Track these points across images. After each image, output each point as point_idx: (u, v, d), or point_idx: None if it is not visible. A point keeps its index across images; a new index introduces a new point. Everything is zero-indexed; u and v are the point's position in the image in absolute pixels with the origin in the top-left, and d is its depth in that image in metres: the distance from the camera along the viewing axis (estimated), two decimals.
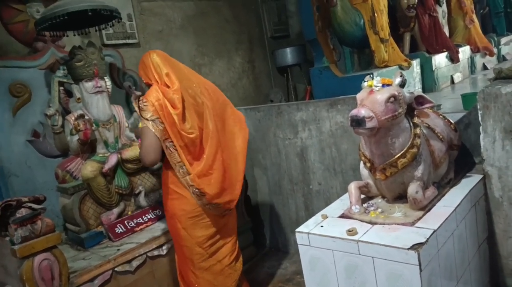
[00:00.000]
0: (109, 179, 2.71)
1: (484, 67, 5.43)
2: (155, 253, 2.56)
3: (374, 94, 1.69)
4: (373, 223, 1.76)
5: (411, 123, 1.78)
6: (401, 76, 1.77)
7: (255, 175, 3.37)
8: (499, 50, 5.79)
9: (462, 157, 2.18)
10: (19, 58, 2.97)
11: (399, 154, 1.73)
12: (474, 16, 5.42)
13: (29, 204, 2.02)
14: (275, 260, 3.26)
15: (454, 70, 4.80)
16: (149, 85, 2.17)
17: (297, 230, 1.88)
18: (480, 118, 2.01)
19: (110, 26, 2.99)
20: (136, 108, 2.11)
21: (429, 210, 1.79)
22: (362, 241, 1.64)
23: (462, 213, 1.84)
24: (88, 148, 2.78)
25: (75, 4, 2.51)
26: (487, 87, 1.97)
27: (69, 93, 2.97)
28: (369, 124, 1.63)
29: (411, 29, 4.71)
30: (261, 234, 3.48)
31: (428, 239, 1.55)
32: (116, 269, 2.38)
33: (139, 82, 3.31)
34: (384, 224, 1.74)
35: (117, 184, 2.74)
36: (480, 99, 1.98)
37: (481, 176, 2.07)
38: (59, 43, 3.13)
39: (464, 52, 5.06)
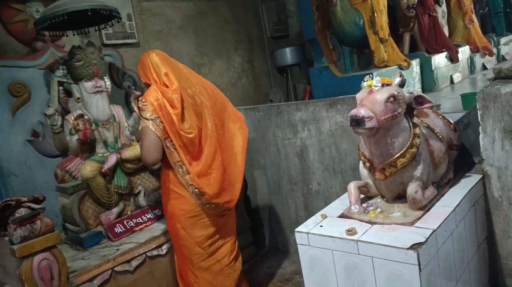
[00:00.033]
0: (109, 178, 2.70)
1: (484, 67, 5.44)
2: (155, 253, 2.56)
3: (374, 94, 1.69)
4: (372, 223, 1.76)
5: (411, 123, 1.78)
6: (400, 76, 1.77)
7: (255, 174, 3.37)
8: (498, 50, 5.80)
9: (462, 157, 2.18)
10: (18, 58, 2.97)
11: (399, 154, 1.73)
12: (474, 16, 5.43)
13: (28, 204, 2.02)
14: (275, 260, 3.26)
15: (454, 70, 4.81)
16: (148, 85, 2.17)
17: (296, 229, 1.88)
18: (479, 118, 2.01)
19: (110, 26, 2.99)
20: (135, 109, 2.11)
21: (429, 209, 1.79)
22: (362, 241, 1.64)
23: (461, 213, 1.84)
24: (87, 147, 2.77)
25: (74, 4, 2.51)
26: (486, 87, 1.97)
27: (69, 93, 2.97)
28: (368, 124, 1.63)
29: (411, 29, 4.71)
30: (261, 234, 3.48)
31: (427, 239, 1.55)
32: (115, 269, 2.38)
33: (139, 82, 3.30)
34: (383, 223, 1.74)
35: (116, 184, 2.74)
36: (480, 99, 1.98)
37: (480, 176, 2.07)
38: (59, 43, 3.13)
39: (464, 52, 5.06)
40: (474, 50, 5.29)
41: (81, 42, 3.14)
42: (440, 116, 2.09)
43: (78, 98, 2.85)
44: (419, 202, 1.76)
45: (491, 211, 2.08)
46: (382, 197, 1.97)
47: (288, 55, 5.49)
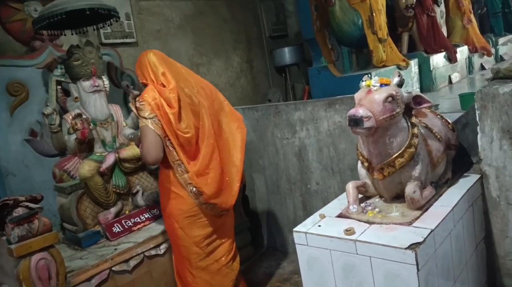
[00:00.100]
0: (107, 178, 2.70)
1: (482, 68, 5.44)
2: (153, 252, 2.56)
3: (372, 94, 1.69)
4: (370, 223, 1.76)
5: (409, 123, 1.78)
6: (399, 76, 1.77)
7: (253, 174, 3.37)
8: (496, 51, 5.81)
9: (460, 157, 2.18)
10: (16, 57, 2.97)
11: (397, 154, 1.73)
12: (472, 16, 5.43)
13: (26, 203, 2.02)
14: (273, 260, 3.26)
15: (452, 70, 4.81)
16: (145, 85, 2.17)
17: (294, 229, 1.88)
18: (477, 118, 2.01)
19: (108, 25, 2.98)
20: (133, 109, 2.10)
21: (427, 209, 1.79)
22: (360, 241, 1.64)
23: (459, 213, 1.85)
24: (85, 147, 2.77)
25: (73, 3, 2.50)
26: (484, 87, 1.97)
27: (67, 92, 2.97)
28: (367, 124, 1.63)
29: (409, 29, 4.71)
30: (259, 234, 3.48)
31: (425, 238, 1.55)
32: (113, 268, 2.37)
33: (137, 81, 3.30)
34: (381, 223, 1.74)
35: (114, 183, 2.73)
36: (478, 99, 1.99)
37: (478, 176, 2.07)
38: (57, 42, 3.12)
39: (462, 52, 5.06)
40: (473, 50, 5.30)
41: (79, 42, 3.13)
42: (438, 116, 2.09)
43: (76, 97, 2.85)
44: (417, 201, 1.76)
45: (489, 210, 2.08)
46: (381, 196, 1.97)
47: (286, 55, 5.49)
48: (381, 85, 1.71)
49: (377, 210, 1.85)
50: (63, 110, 2.93)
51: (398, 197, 1.89)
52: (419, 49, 4.72)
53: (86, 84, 2.79)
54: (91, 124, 2.76)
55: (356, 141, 1.96)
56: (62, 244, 2.65)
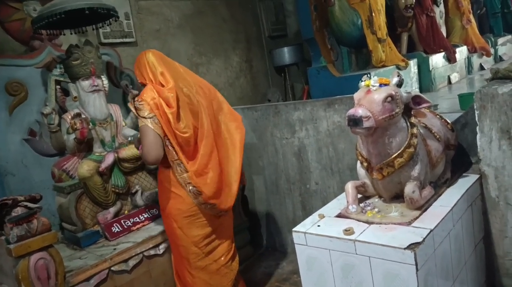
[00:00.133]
0: (106, 178, 2.70)
1: (481, 68, 5.45)
2: (152, 252, 2.56)
3: (372, 94, 1.69)
4: (370, 223, 1.76)
5: (408, 123, 1.78)
6: (398, 76, 1.77)
7: (252, 174, 3.36)
8: (496, 51, 5.81)
9: (459, 157, 2.18)
10: (15, 57, 2.96)
11: (396, 154, 1.74)
12: (471, 17, 5.44)
13: (25, 203, 2.02)
14: (272, 260, 3.26)
15: (451, 70, 4.82)
16: (144, 85, 2.16)
17: (294, 229, 1.88)
18: (477, 118, 2.01)
19: (107, 25, 2.98)
20: (132, 109, 2.10)
21: (426, 209, 1.79)
22: (359, 241, 1.64)
23: (458, 213, 1.85)
24: (84, 146, 2.77)
25: (72, 3, 2.50)
26: (484, 88, 1.98)
27: (66, 92, 2.96)
28: (366, 124, 1.63)
29: (409, 29, 4.72)
30: (258, 234, 3.48)
31: (424, 238, 1.55)
32: (112, 268, 2.37)
33: (136, 81, 3.29)
34: (380, 223, 1.74)
35: (113, 183, 2.73)
36: (477, 99, 1.99)
37: (477, 176, 2.07)
38: (56, 41, 3.12)
39: (461, 52, 5.07)
40: (472, 50, 5.30)
41: (78, 41, 3.13)
42: (437, 116, 2.09)
43: (75, 97, 2.84)
44: (416, 201, 1.76)
45: (488, 211, 2.08)
46: (380, 196, 1.97)
47: (286, 54, 5.49)
48: (380, 85, 1.71)
49: (376, 210, 1.85)
50: (62, 110, 2.93)
51: (397, 197, 1.89)
52: (419, 49, 4.72)
53: (85, 83, 2.79)
54: (90, 124, 2.75)
55: (355, 141, 1.97)
56: (61, 244, 2.64)
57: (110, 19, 2.86)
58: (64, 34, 3.03)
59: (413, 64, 4.28)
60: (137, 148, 2.39)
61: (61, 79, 2.95)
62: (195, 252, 2.24)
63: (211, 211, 2.20)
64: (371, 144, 1.75)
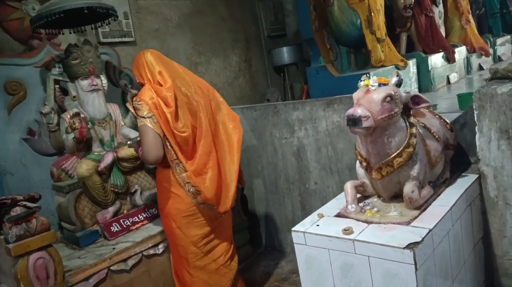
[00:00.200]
0: (105, 177, 2.69)
1: (480, 68, 5.46)
2: (151, 252, 2.56)
3: (371, 93, 1.69)
4: (369, 222, 1.77)
5: (407, 123, 1.78)
6: (397, 75, 1.77)
7: (252, 174, 3.37)
8: (494, 51, 5.83)
9: (458, 157, 2.19)
10: (14, 56, 2.96)
11: (395, 153, 1.74)
12: (470, 17, 5.45)
13: (24, 203, 2.01)
14: (271, 259, 3.26)
15: (450, 70, 4.82)
16: (142, 85, 2.16)
17: (293, 229, 1.88)
18: (475, 118, 2.01)
19: (106, 24, 2.98)
20: (131, 109, 2.10)
21: (425, 209, 1.80)
22: (358, 240, 1.64)
23: (457, 213, 1.85)
24: (83, 146, 2.76)
25: (71, 2, 2.50)
26: (483, 88, 1.98)
27: (65, 91, 2.96)
28: (365, 123, 1.63)
29: (408, 29, 4.72)
30: (257, 233, 3.48)
31: (423, 238, 1.55)
32: (111, 268, 2.37)
33: (135, 80, 3.29)
34: (380, 223, 1.74)
35: (112, 183, 2.73)
36: (476, 99, 1.99)
37: (476, 176, 2.08)
38: (55, 41, 3.12)
39: (460, 52, 5.08)
40: (471, 50, 5.31)
41: (77, 40, 3.13)
42: (436, 116, 2.10)
43: (74, 96, 2.84)
44: (415, 201, 1.77)
45: (487, 210, 2.09)
46: (379, 196, 1.97)
47: (285, 54, 5.49)
48: (379, 85, 1.72)
49: (375, 209, 1.85)
50: (61, 109, 2.93)
51: (397, 196, 1.89)
52: (418, 49, 4.73)
53: (84, 83, 2.79)
54: (89, 123, 2.75)
55: (354, 141, 1.97)
56: (60, 243, 2.64)
57: (109, 19, 2.85)
58: (63, 34, 3.02)
59: (412, 64, 4.29)
60: (137, 152, 2.38)
61: (60, 78, 2.95)
62: (194, 251, 2.24)
63: (209, 211, 2.20)
64: (370, 143, 1.75)
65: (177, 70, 2.22)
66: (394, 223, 1.71)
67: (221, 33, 5.07)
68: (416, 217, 1.73)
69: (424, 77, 4.42)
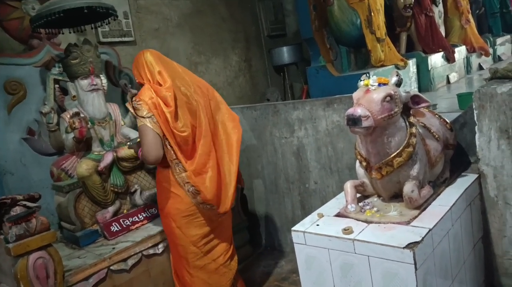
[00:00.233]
0: (105, 177, 2.69)
1: (480, 67, 5.46)
2: (151, 251, 2.56)
3: (371, 93, 1.69)
4: (368, 222, 1.77)
5: (407, 123, 1.78)
6: (397, 75, 1.77)
7: (252, 173, 3.37)
8: (494, 51, 5.83)
9: (458, 156, 2.19)
10: (14, 56, 2.96)
11: (395, 153, 1.74)
12: (470, 16, 5.45)
13: (24, 202, 2.01)
14: (271, 259, 3.26)
15: (450, 70, 4.82)
16: (141, 85, 2.16)
17: (293, 228, 1.88)
18: (475, 118, 2.01)
19: (106, 24, 2.98)
20: (130, 109, 2.09)
21: (425, 209, 1.80)
22: (358, 240, 1.64)
23: (457, 212, 1.85)
24: (83, 146, 2.76)
25: (71, 1, 2.49)
26: (482, 87, 1.98)
27: (65, 91, 2.96)
28: (365, 123, 1.63)
29: (408, 28, 4.73)
30: (257, 233, 3.48)
31: (423, 238, 1.55)
32: (111, 267, 2.37)
33: (135, 80, 3.29)
34: (379, 223, 1.74)
35: (112, 182, 2.73)
36: (476, 99, 1.99)
37: (476, 175, 2.07)
38: (55, 40, 3.11)
39: (460, 52, 5.08)
40: (471, 50, 5.31)
41: (77, 40, 3.12)
42: (436, 115, 2.10)
43: (74, 96, 2.84)
44: (415, 201, 1.77)
45: (487, 210, 2.09)
46: (379, 196, 1.97)
47: (285, 54, 5.49)
48: (379, 84, 1.72)
49: (375, 209, 1.85)
50: (61, 109, 2.93)
51: (396, 196, 1.89)
52: (417, 49, 4.73)
53: (84, 83, 2.78)
54: (89, 123, 2.75)
55: (354, 141, 1.97)
56: (60, 243, 2.64)
57: (109, 18, 2.85)
58: (62, 33, 3.02)
59: (412, 63, 4.29)
60: (136, 153, 2.38)
61: (60, 78, 2.95)
62: (193, 251, 2.24)
63: (209, 211, 2.20)
64: (370, 143, 1.75)
65: (176, 70, 2.22)
66: (394, 223, 1.71)
67: (221, 33, 5.07)
68: (416, 217, 1.73)
69: (424, 77, 4.42)
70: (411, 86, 4.21)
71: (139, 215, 2.79)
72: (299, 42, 5.47)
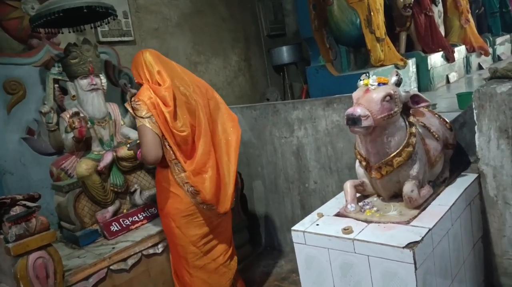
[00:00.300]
0: (104, 177, 2.69)
1: (480, 67, 5.46)
2: (151, 251, 2.56)
3: (370, 93, 1.69)
4: (368, 222, 1.77)
5: (407, 122, 1.78)
6: (397, 75, 1.77)
7: (251, 173, 3.37)
8: (494, 50, 5.83)
9: (457, 156, 2.19)
10: (13, 55, 2.95)
11: (395, 153, 1.74)
12: (470, 16, 5.45)
13: (24, 202, 2.01)
14: (271, 259, 3.26)
15: (450, 69, 4.83)
16: (140, 85, 2.16)
17: (292, 228, 1.88)
18: (475, 118, 2.01)
19: (106, 24, 2.97)
20: (129, 109, 2.09)
21: (424, 208, 1.80)
22: (358, 240, 1.64)
23: (457, 212, 1.85)
24: (83, 145, 2.76)
25: (70, 1, 2.49)
26: (482, 87, 1.98)
27: (64, 91, 2.95)
28: (364, 123, 1.63)
29: (407, 28, 4.73)
30: (257, 233, 3.48)
31: (423, 237, 1.55)
32: (111, 267, 2.37)
33: (134, 80, 3.29)
34: (379, 222, 1.74)
35: (112, 182, 2.73)
36: (476, 98, 1.99)
37: (476, 175, 2.08)
38: (54, 40, 3.11)
39: (460, 51, 5.08)
40: (470, 50, 5.31)
41: (76, 40, 3.12)
42: (436, 115, 2.10)
43: (74, 96, 2.84)
44: (415, 201, 1.77)
45: (487, 210, 2.09)
46: (378, 195, 1.97)
47: (284, 54, 5.49)
48: (379, 84, 1.72)
49: (375, 209, 1.85)
50: (60, 109, 2.92)
51: (396, 196, 1.89)
52: (417, 49, 4.73)
53: (84, 82, 2.78)
54: (89, 122, 2.75)
55: (354, 141, 1.97)
56: (59, 243, 2.64)
57: (109, 18, 2.85)
58: (62, 33, 3.02)
59: (411, 63, 4.29)
60: (135, 154, 2.38)
61: (59, 77, 2.94)
62: (193, 251, 2.23)
63: (209, 211, 2.20)
64: (370, 143, 1.75)
65: (175, 69, 2.22)
66: (393, 223, 1.71)
67: (220, 32, 5.07)
68: (415, 217, 1.73)
69: (424, 77, 4.42)
70: (410, 86, 4.21)
71: (139, 215, 2.79)
72: (298, 42, 5.47)
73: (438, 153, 1.94)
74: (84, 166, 2.57)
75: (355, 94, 1.76)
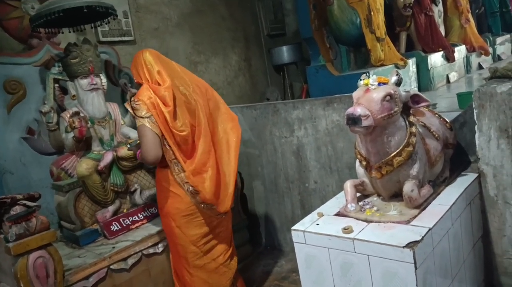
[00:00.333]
0: (105, 176, 2.69)
1: (480, 67, 5.46)
2: (151, 251, 2.56)
3: (370, 92, 1.69)
4: (368, 221, 1.77)
5: (407, 122, 1.78)
6: (397, 75, 1.77)
7: (251, 173, 3.37)
8: (494, 50, 5.83)
9: (458, 156, 2.19)
10: (14, 55, 2.95)
11: (395, 152, 1.74)
12: (470, 16, 5.45)
13: (24, 202, 2.01)
14: (271, 258, 3.26)
15: (450, 69, 4.82)
16: (140, 85, 2.16)
17: (293, 228, 1.88)
18: (475, 117, 2.01)
19: (106, 23, 2.97)
20: (129, 109, 2.09)
21: (425, 208, 1.80)
22: (358, 239, 1.64)
23: (457, 212, 1.85)
24: (83, 145, 2.76)
25: (70, 1, 2.49)
26: (482, 87, 1.98)
27: (64, 90, 2.96)
28: (365, 122, 1.63)
29: (407, 28, 4.73)
30: (257, 232, 3.49)
31: (423, 237, 1.55)
32: (111, 267, 2.37)
33: (134, 79, 3.29)
34: (379, 222, 1.74)
35: (112, 182, 2.73)
36: (476, 98, 1.99)
37: (476, 175, 2.08)
38: (54, 40, 3.11)
39: (460, 51, 5.08)
40: (470, 49, 5.31)
41: (77, 40, 3.12)
42: (436, 115, 2.10)
43: (74, 95, 2.84)
44: (415, 200, 1.77)
45: (487, 209, 2.09)
46: (379, 195, 1.97)
47: (285, 53, 5.49)
48: (379, 84, 1.72)
49: (375, 208, 1.85)
50: (60, 109, 2.92)
51: (396, 195, 1.89)
52: (417, 48, 4.73)
53: (84, 82, 2.78)
54: (89, 122, 2.75)
55: (354, 140, 1.97)
56: (60, 242, 2.64)
57: (109, 18, 2.85)
58: (62, 33, 3.02)
59: (411, 63, 4.29)
60: (135, 154, 2.38)
61: (60, 77, 2.95)
62: (193, 251, 2.24)
63: (209, 211, 2.20)
64: (370, 142, 1.75)
65: (175, 69, 2.22)
66: (393, 222, 1.71)
67: (220, 32, 5.07)
68: (415, 216, 1.73)
69: (424, 76, 4.42)
70: (411, 86, 4.21)
71: (139, 214, 2.79)
72: (298, 42, 5.47)
73: (438, 153, 1.94)
74: (84, 166, 2.57)
75: (355, 94, 1.76)
